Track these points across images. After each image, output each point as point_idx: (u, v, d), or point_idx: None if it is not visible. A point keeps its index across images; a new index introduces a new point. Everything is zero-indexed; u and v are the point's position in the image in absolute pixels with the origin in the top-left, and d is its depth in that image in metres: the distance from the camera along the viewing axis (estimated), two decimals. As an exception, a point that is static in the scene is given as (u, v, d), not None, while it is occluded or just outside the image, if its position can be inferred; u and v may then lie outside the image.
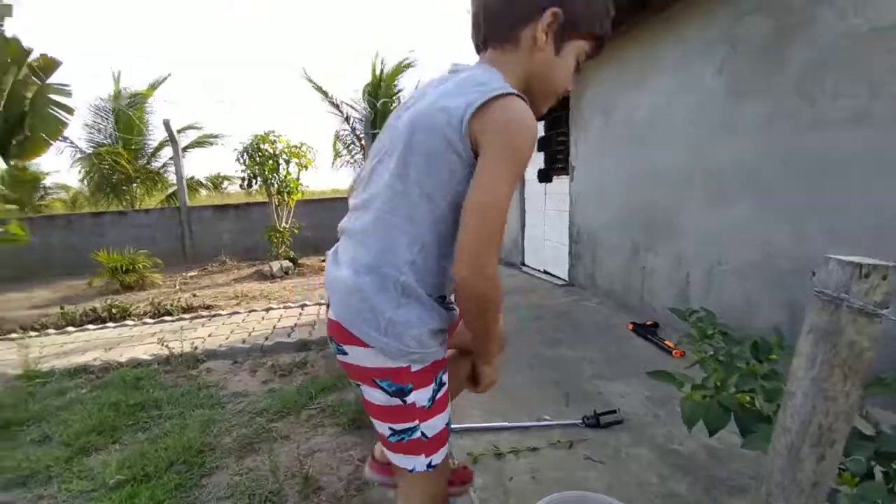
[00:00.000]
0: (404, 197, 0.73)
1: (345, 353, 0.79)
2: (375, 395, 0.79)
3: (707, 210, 2.32)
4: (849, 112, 1.70)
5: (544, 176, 4.10)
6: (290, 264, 6.65)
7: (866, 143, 1.65)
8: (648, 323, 2.49)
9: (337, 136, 11.55)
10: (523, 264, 4.70)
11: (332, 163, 11.76)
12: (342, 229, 0.88)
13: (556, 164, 4.02)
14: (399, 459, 0.83)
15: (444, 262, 0.76)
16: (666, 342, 2.25)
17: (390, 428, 0.81)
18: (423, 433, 0.81)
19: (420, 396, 0.79)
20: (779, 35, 1.93)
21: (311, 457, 1.90)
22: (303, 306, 4.31)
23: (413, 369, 0.77)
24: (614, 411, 1.68)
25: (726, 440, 1.41)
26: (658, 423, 1.63)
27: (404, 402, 0.78)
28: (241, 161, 6.69)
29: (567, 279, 3.76)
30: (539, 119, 0.93)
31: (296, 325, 3.73)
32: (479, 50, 0.85)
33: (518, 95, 0.70)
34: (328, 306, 0.83)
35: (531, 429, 1.65)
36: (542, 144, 4.13)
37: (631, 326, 2.52)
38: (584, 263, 3.48)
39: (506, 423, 1.66)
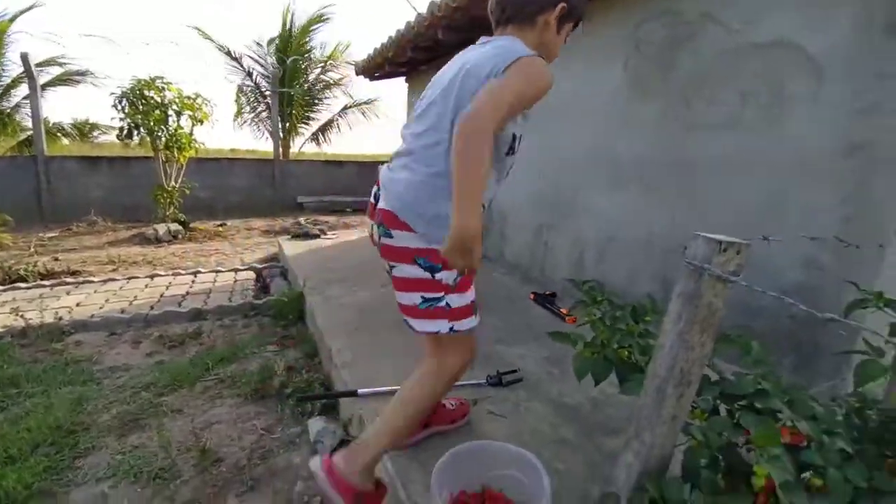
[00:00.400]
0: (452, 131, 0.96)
1: (390, 237, 1.06)
2: (412, 271, 1.07)
3: (605, 194, 2.57)
4: (722, 117, 1.98)
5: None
6: (180, 227, 6.01)
7: (734, 147, 1.94)
8: (548, 293, 2.71)
9: (240, 90, 10.48)
10: (435, 237, 4.78)
11: (235, 118, 10.68)
12: (398, 151, 1.14)
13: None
14: (427, 325, 1.12)
15: None
16: (562, 310, 2.48)
17: (422, 297, 1.09)
18: (447, 303, 1.09)
19: (446, 276, 1.07)
20: (672, 42, 2.16)
21: (208, 429, 1.81)
22: (196, 273, 3.95)
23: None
24: (515, 371, 1.83)
25: (605, 391, 1.62)
26: (552, 379, 1.81)
27: (433, 276, 1.06)
28: (120, 108, 5.78)
29: (476, 253, 3.91)
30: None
31: (188, 293, 3.42)
32: (497, 24, 1.17)
33: (540, 56, 1.03)
34: (375, 202, 1.13)
35: (439, 390, 1.73)
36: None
37: (532, 296, 2.73)
38: (494, 237, 3.65)
39: (415, 386, 1.72)
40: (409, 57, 4.07)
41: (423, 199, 1.02)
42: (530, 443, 1.42)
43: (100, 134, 13.40)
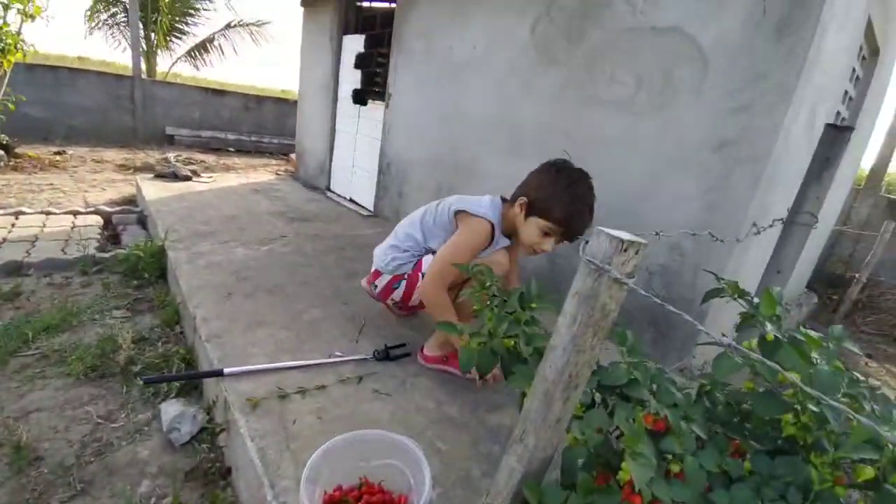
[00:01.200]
0: (414, 232, 1.73)
1: (376, 287, 1.80)
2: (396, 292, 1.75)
3: (506, 159, 2.54)
4: (618, 97, 2.01)
5: (358, 97, 3.83)
6: (2, 153, 4.76)
7: (624, 128, 2.00)
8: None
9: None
10: (329, 189, 4.44)
11: (88, 20, 8.58)
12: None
13: (374, 86, 3.79)
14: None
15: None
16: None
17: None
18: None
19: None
20: (583, 11, 2.12)
21: (24, 419, 1.46)
22: (18, 214, 3.17)
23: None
24: (404, 345, 1.76)
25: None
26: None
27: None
28: None
29: (373, 210, 3.72)
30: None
31: (4, 239, 2.73)
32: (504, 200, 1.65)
33: (489, 221, 1.54)
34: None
35: (322, 366, 1.59)
36: (360, 62, 3.80)
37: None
38: (391, 196, 3.48)
39: (293, 363, 1.57)
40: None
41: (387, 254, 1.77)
42: (415, 422, 1.38)
43: None
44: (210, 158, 6.70)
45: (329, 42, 4.13)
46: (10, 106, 5.19)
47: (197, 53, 9.99)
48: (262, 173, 5.61)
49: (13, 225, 2.98)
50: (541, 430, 0.73)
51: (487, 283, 1.09)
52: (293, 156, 5.48)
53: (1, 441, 1.35)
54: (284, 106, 8.98)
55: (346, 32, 4.03)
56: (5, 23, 4.63)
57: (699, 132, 1.80)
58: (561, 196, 1.43)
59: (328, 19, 4.13)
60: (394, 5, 3.79)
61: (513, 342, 0.98)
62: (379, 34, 3.70)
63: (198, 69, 10.27)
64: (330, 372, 1.57)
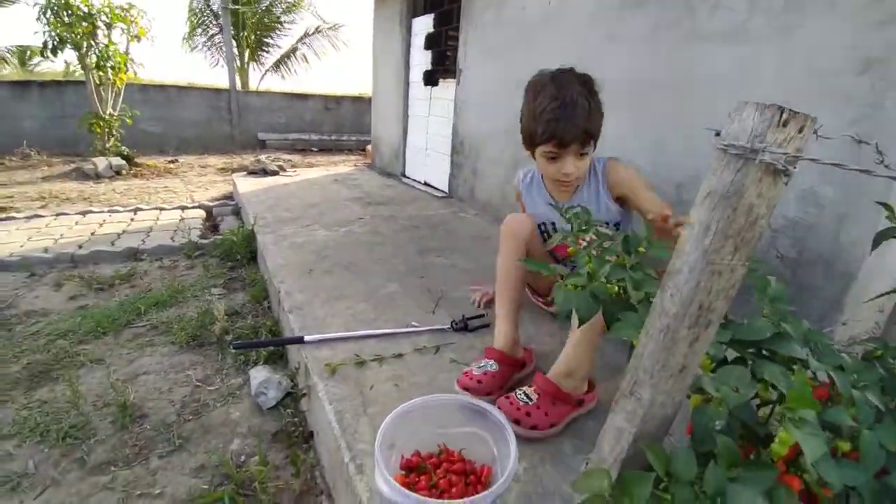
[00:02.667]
0: None
1: None
2: None
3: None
4: (725, 26, 1.71)
5: (430, 78, 3.78)
6: (124, 162, 5.45)
7: (736, 61, 1.69)
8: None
9: (191, 10, 9.34)
10: (404, 175, 4.47)
11: (187, 37, 9.60)
12: None
13: (444, 65, 3.71)
14: None
15: None
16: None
17: None
18: None
19: None
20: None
21: (133, 381, 1.58)
22: (136, 210, 3.57)
23: None
24: (483, 315, 1.66)
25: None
26: (522, 323, 1.64)
27: None
28: (44, 20, 4.97)
29: (447, 191, 3.65)
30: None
31: (124, 231, 3.07)
32: None
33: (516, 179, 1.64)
34: None
35: (398, 335, 1.54)
36: (430, 42, 3.75)
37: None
38: (465, 175, 3.38)
39: (371, 332, 1.53)
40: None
41: None
42: (497, 393, 1.27)
43: (41, 61, 11.89)
44: (296, 158, 7.13)
45: (399, 27, 4.13)
46: (128, 121, 5.93)
47: (282, 64, 10.71)
48: (341, 167, 5.83)
49: (132, 220, 3.36)
50: (659, 380, 0.57)
51: (584, 227, 0.94)
52: (369, 147, 5.62)
53: (108, 401, 1.46)
54: (361, 104, 9.30)
55: (415, 15, 4.00)
56: (111, 41, 5.27)
57: (836, 54, 1.45)
58: (529, 111, 1.28)
59: (398, 5, 4.13)
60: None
61: (617, 287, 0.82)
62: (447, 10, 3.61)
63: (283, 78, 11.02)
64: (406, 341, 1.51)
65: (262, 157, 6.74)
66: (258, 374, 1.55)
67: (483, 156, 3.16)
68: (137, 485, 1.18)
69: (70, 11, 4.98)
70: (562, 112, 1.19)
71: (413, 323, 1.61)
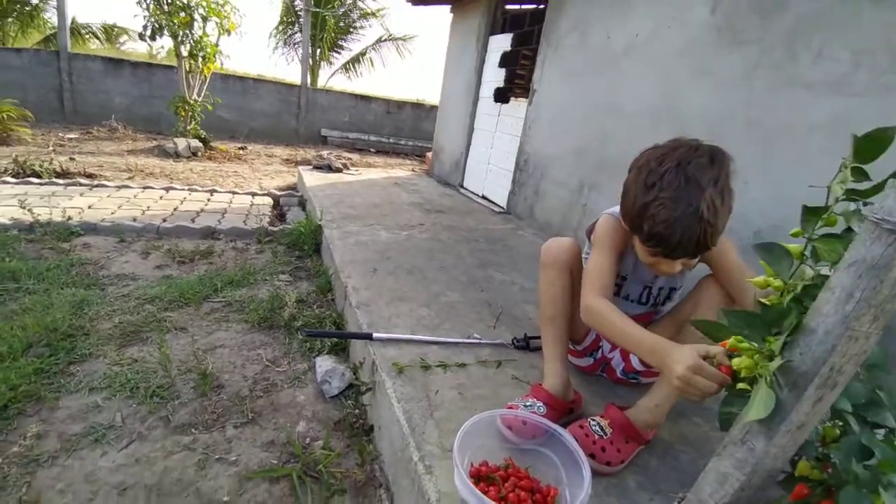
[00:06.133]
0: None
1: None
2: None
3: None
4: (827, 76, 1.67)
5: (501, 96, 3.84)
6: (200, 145, 5.83)
7: (834, 113, 1.65)
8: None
9: (287, 9, 9.89)
10: (462, 186, 4.54)
11: (273, 34, 10.18)
12: None
13: (517, 84, 3.77)
14: None
15: None
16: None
17: None
18: None
19: None
20: (782, -21, 1.81)
21: (211, 352, 1.70)
22: (212, 192, 3.81)
23: None
24: (544, 337, 1.67)
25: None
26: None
27: None
28: (144, 5, 5.43)
29: (505, 207, 3.69)
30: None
31: (202, 210, 3.29)
32: None
33: (612, 215, 1.21)
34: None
35: (460, 345, 1.58)
36: (505, 60, 3.82)
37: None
38: (526, 193, 3.41)
39: (435, 338, 1.58)
40: (460, -19, 3.66)
41: None
42: (559, 416, 1.28)
43: (127, 40, 12.95)
44: (355, 156, 7.37)
45: (475, 43, 4.23)
46: (209, 107, 6.34)
47: (351, 66, 11.14)
48: (398, 170, 5.99)
49: (208, 200, 3.59)
50: (776, 433, 0.58)
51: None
52: (429, 155, 5.74)
53: (190, 367, 1.58)
54: (420, 111, 9.52)
55: (492, 33, 4.09)
56: (205, 33, 5.67)
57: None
58: (635, 199, 1.00)
59: (476, 22, 4.24)
60: (537, 5, 3.74)
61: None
62: (527, 32, 3.67)
63: (350, 80, 11.46)
64: (468, 352, 1.55)
65: (324, 152, 7.02)
66: (324, 363, 1.63)
67: (548, 176, 3.17)
68: (216, 449, 1.27)
69: (170, 0, 5.41)
70: (678, 225, 0.93)
71: (475, 335, 1.65)
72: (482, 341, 1.62)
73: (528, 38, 3.66)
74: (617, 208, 1.22)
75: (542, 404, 1.17)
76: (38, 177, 3.62)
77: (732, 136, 1.98)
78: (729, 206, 0.99)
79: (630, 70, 2.52)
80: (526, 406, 1.17)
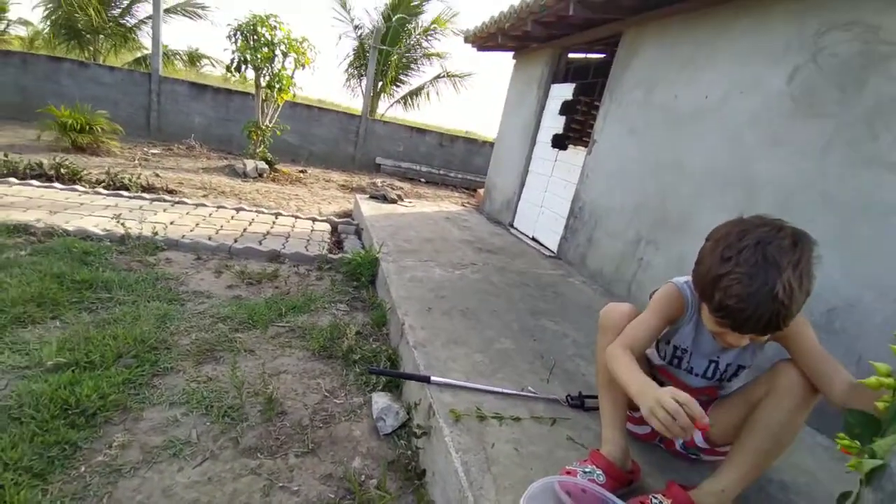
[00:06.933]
0: None
1: None
2: None
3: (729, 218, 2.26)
4: (913, 156, 1.63)
5: (559, 142, 3.92)
6: (266, 167, 6.23)
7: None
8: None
9: (361, 47, 10.61)
10: (512, 225, 4.60)
11: (347, 68, 10.94)
12: None
13: (575, 132, 3.84)
14: None
15: None
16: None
17: None
18: None
19: None
20: (864, 61, 1.80)
21: (276, 377, 1.80)
22: (277, 215, 4.06)
23: None
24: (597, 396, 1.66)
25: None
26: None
27: None
28: (233, 40, 5.98)
29: (556, 251, 3.70)
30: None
31: (268, 232, 3.51)
32: None
33: (676, 286, 1.24)
34: None
35: (514, 397, 1.60)
36: (565, 109, 3.91)
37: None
38: (579, 240, 3.41)
39: (491, 387, 1.60)
40: (526, 31, 3.82)
41: None
42: (616, 486, 1.26)
43: (206, 65, 14.20)
44: (406, 186, 7.62)
45: (536, 90, 4.36)
46: (278, 132, 6.80)
47: (409, 99, 11.66)
48: (448, 203, 6.14)
49: (274, 223, 3.82)
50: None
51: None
52: (481, 191, 5.86)
53: (258, 391, 1.68)
54: (472, 145, 9.76)
55: (555, 81, 4.20)
56: (283, 66, 6.15)
57: None
58: (710, 269, 1.00)
59: (539, 70, 4.38)
60: (602, 55, 3.83)
61: None
62: (590, 83, 3.76)
63: (406, 111, 11.96)
64: (522, 405, 1.56)
65: (378, 180, 7.32)
66: (379, 400, 1.69)
67: (603, 226, 3.18)
68: (279, 477, 1.34)
69: (256, 37, 5.94)
70: (750, 302, 0.92)
71: (529, 388, 1.66)
72: (537, 395, 1.62)
73: (590, 89, 3.75)
74: (682, 278, 1.25)
75: (601, 472, 1.16)
76: (127, 190, 4.00)
77: (805, 208, 1.95)
78: (807, 290, 0.97)
79: (697, 131, 2.53)
80: (585, 472, 1.16)
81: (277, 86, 6.04)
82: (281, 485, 1.32)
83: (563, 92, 3.99)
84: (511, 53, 5.05)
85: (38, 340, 1.70)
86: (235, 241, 3.11)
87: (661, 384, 1.06)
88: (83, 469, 1.25)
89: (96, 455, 1.31)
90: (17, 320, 1.78)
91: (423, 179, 8.84)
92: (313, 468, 1.40)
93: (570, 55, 4.24)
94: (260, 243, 3.17)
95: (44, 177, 3.90)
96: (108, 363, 1.64)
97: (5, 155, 4.03)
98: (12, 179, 3.63)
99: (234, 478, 1.32)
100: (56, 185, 3.71)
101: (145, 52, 10.79)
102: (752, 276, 0.93)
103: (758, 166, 2.17)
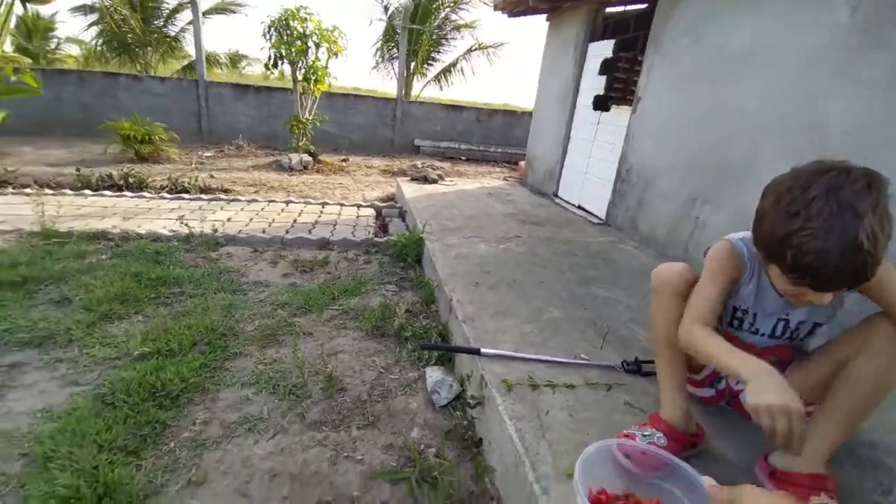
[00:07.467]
0: None
1: None
2: None
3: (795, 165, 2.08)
4: None
5: (601, 104, 3.73)
6: (310, 159, 6.42)
7: None
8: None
9: (387, 30, 10.60)
10: (556, 195, 4.48)
11: (376, 53, 10.97)
12: None
13: (618, 91, 3.64)
14: None
15: None
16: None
17: None
18: None
19: None
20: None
21: (334, 356, 1.89)
22: (324, 204, 4.19)
23: None
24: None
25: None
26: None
27: None
28: (268, 37, 6.14)
29: (604, 218, 3.57)
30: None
31: (316, 221, 3.64)
32: None
33: (729, 241, 1.16)
34: None
35: (567, 365, 1.59)
36: (605, 67, 3.71)
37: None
38: (628, 204, 3.27)
39: (541, 356, 1.60)
40: (559, -10, 3.63)
41: None
42: (678, 450, 1.23)
43: (246, 65, 14.75)
44: (446, 165, 7.60)
45: (573, 51, 4.16)
46: (318, 123, 6.96)
47: (443, 76, 11.50)
48: (489, 179, 6.07)
49: (321, 212, 3.96)
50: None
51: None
52: (522, 163, 5.74)
53: (318, 370, 1.77)
54: (511, 117, 9.52)
55: (592, 40, 3.99)
56: (317, 58, 6.23)
57: None
58: (774, 228, 0.91)
59: (575, 30, 4.16)
60: (643, 5, 3.57)
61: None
62: (631, 38, 3.53)
63: (441, 90, 11.82)
64: (574, 373, 1.55)
65: (419, 162, 7.34)
66: (433, 374, 1.73)
67: (653, 187, 3.02)
68: (344, 447, 1.42)
69: (289, 31, 6.05)
70: (831, 257, 0.84)
71: (582, 355, 1.64)
72: (590, 362, 1.60)
73: (631, 43, 3.52)
74: (738, 234, 1.17)
75: (661, 434, 1.14)
76: (188, 192, 4.27)
77: (880, 149, 1.75)
78: (889, 234, 0.88)
79: (752, 74, 2.32)
80: (644, 436, 1.15)
81: (313, 77, 6.16)
82: (346, 454, 1.40)
83: (602, 50, 3.77)
84: (544, 16, 4.83)
85: (124, 334, 1.88)
86: (287, 232, 3.26)
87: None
88: (172, 444, 1.38)
89: (182, 431, 1.44)
90: (104, 317, 1.98)
91: (462, 157, 8.77)
92: (374, 439, 1.48)
93: (607, 10, 3.99)
94: (309, 233, 3.29)
95: (114, 187, 4.24)
96: (185, 350, 1.80)
97: (78, 169, 4.41)
98: (87, 191, 3.99)
99: (303, 449, 1.41)
100: (126, 193, 4.03)
101: (191, 59, 11.33)
102: (829, 229, 0.84)
103: (823, 107, 1.97)
